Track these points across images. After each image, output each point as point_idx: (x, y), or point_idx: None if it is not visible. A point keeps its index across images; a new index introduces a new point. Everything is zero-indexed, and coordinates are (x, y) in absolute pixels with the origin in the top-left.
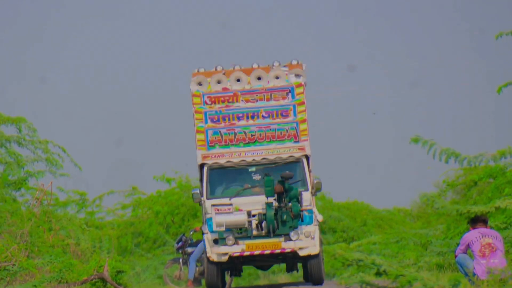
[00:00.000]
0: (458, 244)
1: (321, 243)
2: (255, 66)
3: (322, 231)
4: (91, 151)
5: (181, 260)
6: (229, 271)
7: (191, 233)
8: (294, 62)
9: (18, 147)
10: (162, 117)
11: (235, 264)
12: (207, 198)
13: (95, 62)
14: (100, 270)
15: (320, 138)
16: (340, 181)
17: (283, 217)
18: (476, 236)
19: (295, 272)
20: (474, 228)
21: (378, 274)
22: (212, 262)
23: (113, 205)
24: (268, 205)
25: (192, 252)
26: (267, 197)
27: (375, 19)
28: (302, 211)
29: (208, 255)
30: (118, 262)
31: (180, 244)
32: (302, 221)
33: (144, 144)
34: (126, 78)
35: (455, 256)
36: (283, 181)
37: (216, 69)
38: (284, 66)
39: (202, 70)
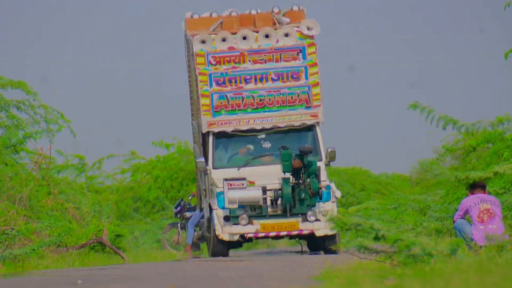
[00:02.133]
0: (456, 210)
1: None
2: (253, 12)
3: None
4: (91, 116)
5: (179, 225)
6: None
7: (190, 198)
8: (295, 8)
9: (18, 111)
10: (160, 82)
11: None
12: (214, 168)
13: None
14: (99, 234)
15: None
16: (339, 147)
17: (301, 195)
18: (474, 202)
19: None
20: (472, 193)
21: (376, 238)
22: (221, 241)
23: (112, 169)
24: (285, 181)
25: (190, 217)
26: (284, 172)
27: None
28: (320, 188)
29: (217, 233)
30: (116, 226)
31: (178, 209)
32: (321, 198)
33: (142, 110)
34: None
35: (453, 222)
36: (302, 155)
37: (211, 16)
38: (284, 15)
39: (196, 16)
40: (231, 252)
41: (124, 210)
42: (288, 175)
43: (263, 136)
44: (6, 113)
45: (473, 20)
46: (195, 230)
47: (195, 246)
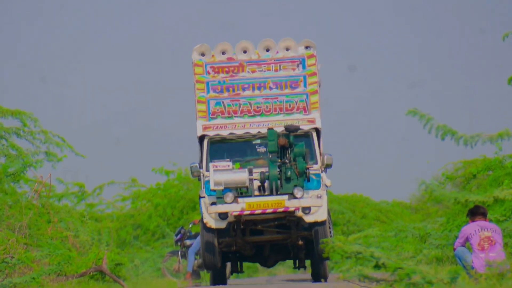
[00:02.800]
0: (457, 237)
1: (329, 214)
2: (257, 50)
3: None
4: (90, 144)
5: (179, 253)
6: (229, 264)
7: (190, 225)
8: (304, 39)
9: (18, 138)
10: (163, 111)
11: (233, 238)
12: (207, 171)
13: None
14: (99, 262)
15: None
16: (338, 175)
17: (287, 174)
18: (475, 229)
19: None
20: (473, 221)
21: (376, 266)
22: (209, 230)
23: (113, 197)
24: (271, 161)
25: (191, 245)
26: (270, 152)
27: None
28: (308, 168)
29: (204, 221)
30: (117, 254)
31: (179, 236)
32: (308, 180)
33: (143, 137)
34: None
35: (454, 249)
36: (288, 134)
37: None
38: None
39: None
40: (231, 281)
41: (124, 238)
42: (274, 156)
43: (258, 141)
44: (6, 141)
45: (474, 21)
46: (195, 258)
47: (196, 274)
